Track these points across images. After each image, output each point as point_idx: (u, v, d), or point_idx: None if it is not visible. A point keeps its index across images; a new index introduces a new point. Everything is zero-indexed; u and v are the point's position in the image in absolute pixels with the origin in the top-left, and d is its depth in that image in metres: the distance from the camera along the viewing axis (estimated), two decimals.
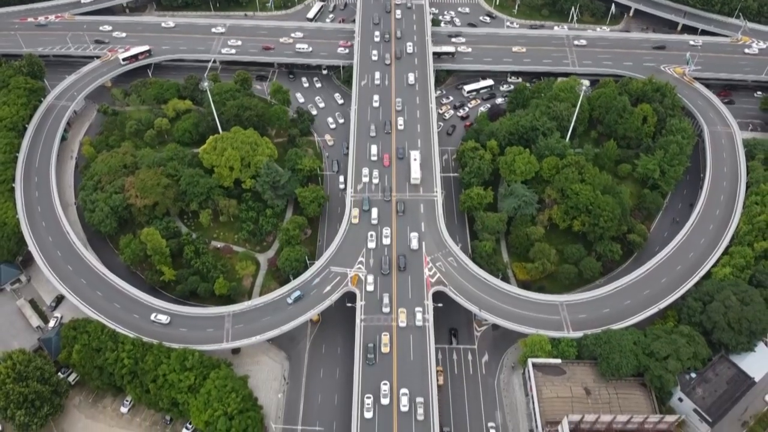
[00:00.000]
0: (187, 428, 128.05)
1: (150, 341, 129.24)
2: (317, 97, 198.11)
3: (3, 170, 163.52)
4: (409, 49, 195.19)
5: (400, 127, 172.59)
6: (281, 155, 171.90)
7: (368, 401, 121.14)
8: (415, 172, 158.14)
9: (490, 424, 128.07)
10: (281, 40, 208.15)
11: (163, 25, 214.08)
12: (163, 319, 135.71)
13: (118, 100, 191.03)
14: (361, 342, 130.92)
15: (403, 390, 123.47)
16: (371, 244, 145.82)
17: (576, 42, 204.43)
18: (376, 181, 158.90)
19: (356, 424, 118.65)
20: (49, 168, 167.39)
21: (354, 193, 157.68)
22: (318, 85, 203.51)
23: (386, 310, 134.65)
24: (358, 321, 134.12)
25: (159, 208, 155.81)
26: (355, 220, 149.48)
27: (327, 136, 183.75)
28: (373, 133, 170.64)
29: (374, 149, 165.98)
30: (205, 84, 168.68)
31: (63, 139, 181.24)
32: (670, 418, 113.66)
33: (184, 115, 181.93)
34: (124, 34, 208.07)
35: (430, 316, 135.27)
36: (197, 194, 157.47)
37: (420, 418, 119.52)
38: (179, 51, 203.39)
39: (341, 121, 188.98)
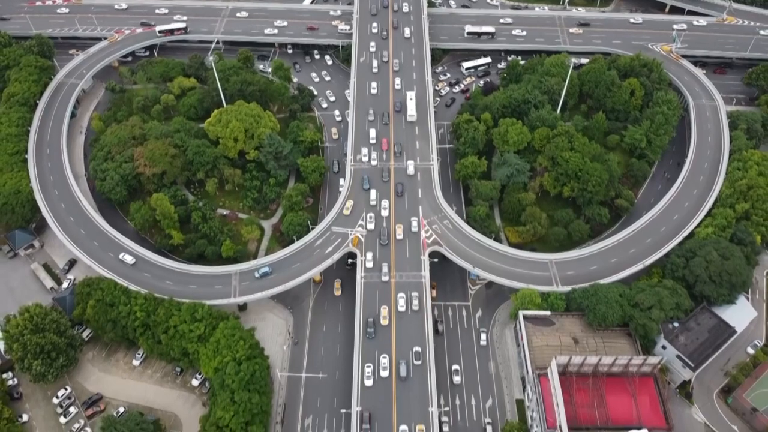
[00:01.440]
0: (197, 378, 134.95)
1: (161, 297, 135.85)
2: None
3: (16, 142, 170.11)
4: (407, 34, 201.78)
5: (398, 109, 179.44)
6: (283, 130, 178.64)
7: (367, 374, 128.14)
8: (411, 110, 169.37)
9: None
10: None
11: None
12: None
13: (125, 78, 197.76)
14: (361, 297, 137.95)
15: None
16: (371, 216, 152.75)
17: (571, 30, 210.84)
18: (374, 162, 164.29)
19: (358, 348, 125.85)
20: (60, 140, 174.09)
21: (354, 162, 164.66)
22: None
23: (385, 271, 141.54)
24: (358, 278, 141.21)
25: (167, 177, 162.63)
26: (347, 211, 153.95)
27: (333, 129, 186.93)
28: (371, 118, 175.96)
29: (372, 133, 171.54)
30: (210, 58, 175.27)
31: (72, 115, 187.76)
32: (653, 360, 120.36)
33: (189, 92, 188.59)
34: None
35: (427, 273, 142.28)
36: (203, 163, 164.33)
37: (418, 362, 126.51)
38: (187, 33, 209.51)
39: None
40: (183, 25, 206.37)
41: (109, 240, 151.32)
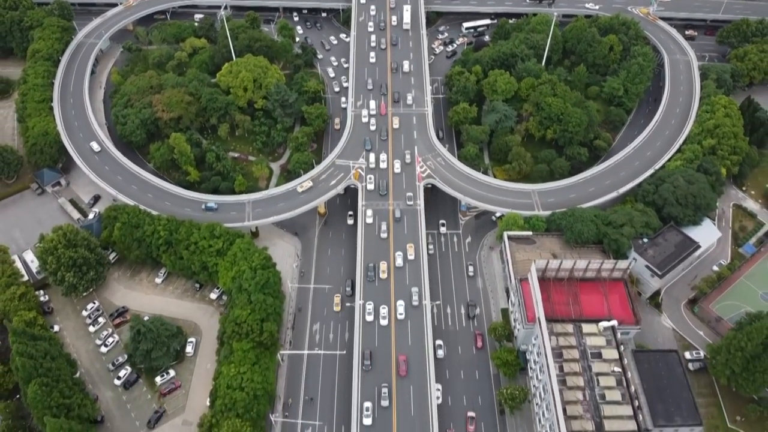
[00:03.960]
0: (214, 292, 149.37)
1: (182, 219, 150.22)
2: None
3: (43, 91, 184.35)
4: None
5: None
6: (287, 85, 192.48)
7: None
8: (406, 19, 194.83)
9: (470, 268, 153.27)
10: None
11: None
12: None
13: (141, 38, 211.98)
14: (363, 222, 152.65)
15: (398, 252, 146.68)
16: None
17: None
18: (373, 123, 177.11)
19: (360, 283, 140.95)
20: (82, 91, 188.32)
21: (354, 109, 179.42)
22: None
23: (384, 193, 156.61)
24: (359, 205, 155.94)
25: (183, 121, 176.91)
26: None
27: (336, 120, 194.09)
28: (370, 86, 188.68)
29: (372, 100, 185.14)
30: (221, 13, 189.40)
31: (92, 73, 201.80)
32: (623, 264, 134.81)
33: (200, 51, 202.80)
34: None
35: (421, 202, 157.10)
36: (216, 109, 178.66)
37: (411, 257, 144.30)
38: None
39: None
40: None
41: (131, 175, 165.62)
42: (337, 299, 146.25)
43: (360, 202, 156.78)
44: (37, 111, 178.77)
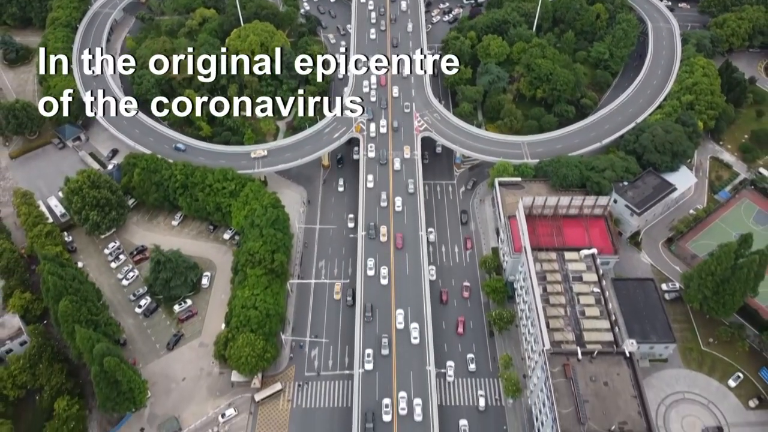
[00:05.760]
0: (227, 233, 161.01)
1: (197, 165, 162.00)
2: None
3: (64, 53, 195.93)
4: None
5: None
6: (293, 49, 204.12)
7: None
8: None
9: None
10: None
11: None
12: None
13: (153, 8, 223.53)
14: (364, 171, 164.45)
15: (398, 197, 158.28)
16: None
17: None
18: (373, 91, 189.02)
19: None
20: (99, 61, 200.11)
21: (356, 68, 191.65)
22: None
23: (383, 162, 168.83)
24: (361, 155, 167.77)
25: (194, 82, 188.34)
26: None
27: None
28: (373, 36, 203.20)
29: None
30: None
31: (107, 41, 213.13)
32: (603, 201, 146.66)
33: (209, 19, 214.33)
34: None
35: (419, 152, 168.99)
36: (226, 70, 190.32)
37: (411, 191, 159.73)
38: None
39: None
40: None
41: (147, 128, 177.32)
42: (337, 287, 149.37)
43: (362, 152, 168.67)
44: (59, 72, 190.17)
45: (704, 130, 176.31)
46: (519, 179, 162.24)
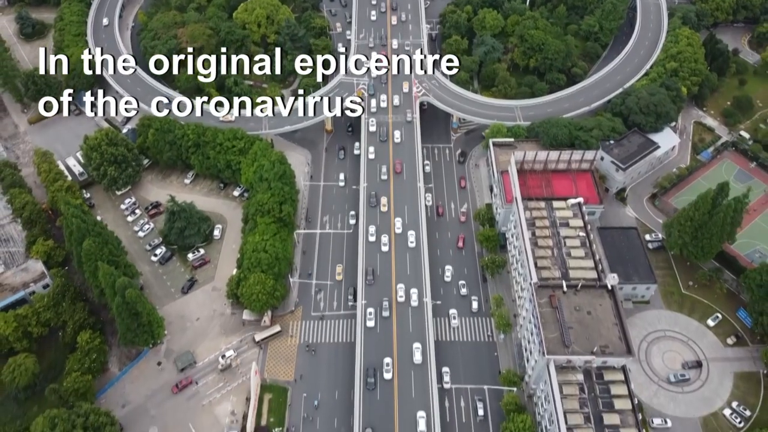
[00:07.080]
0: (237, 190, 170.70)
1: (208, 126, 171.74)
2: None
3: (78, 26, 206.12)
4: None
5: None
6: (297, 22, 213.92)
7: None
8: None
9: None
10: None
11: None
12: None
13: None
14: (365, 134, 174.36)
15: (398, 159, 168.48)
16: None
17: None
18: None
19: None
20: (113, 27, 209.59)
21: (357, 40, 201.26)
22: None
23: (384, 105, 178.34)
24: (362, 119, 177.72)
25: (204, 51, 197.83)
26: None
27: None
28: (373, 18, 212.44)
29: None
30: None
31: (119, 17, 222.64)
32: (590, 155, 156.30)
33: None
34: None
35: (417, 115, 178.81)
36: (233, 42, 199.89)
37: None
38: None
39: None
40: None
41: (160, 95, 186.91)
42: (339, 269, 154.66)
43: (363, 118, 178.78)
44: (74, 42, 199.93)
45: (688, 95, 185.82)
46: (512, 140, 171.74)
